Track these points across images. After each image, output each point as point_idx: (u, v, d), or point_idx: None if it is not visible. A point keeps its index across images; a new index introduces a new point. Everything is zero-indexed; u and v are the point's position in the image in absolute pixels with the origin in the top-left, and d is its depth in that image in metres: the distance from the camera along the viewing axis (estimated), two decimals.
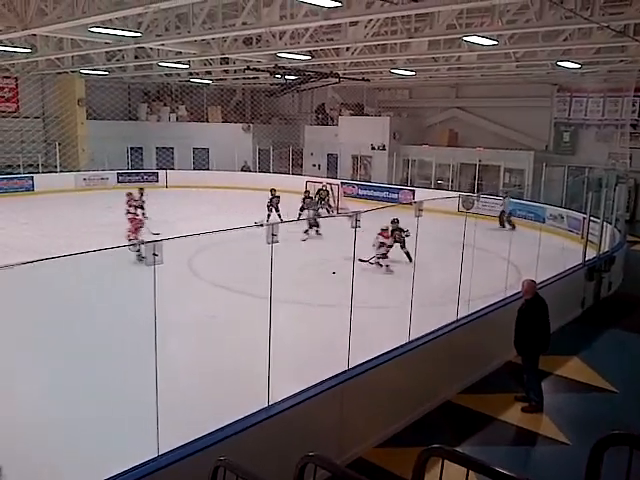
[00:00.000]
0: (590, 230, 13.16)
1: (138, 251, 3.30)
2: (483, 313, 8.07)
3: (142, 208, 15.89)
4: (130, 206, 14.95)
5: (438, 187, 24.55)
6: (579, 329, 10.31)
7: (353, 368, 5.93)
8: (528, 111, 24.20)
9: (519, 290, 7.96)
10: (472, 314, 7.90)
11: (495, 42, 13.40)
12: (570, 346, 9.23)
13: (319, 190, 21.66)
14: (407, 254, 13.76)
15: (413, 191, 24.07)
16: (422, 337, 6.95)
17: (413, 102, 28.96)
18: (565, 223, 18.44)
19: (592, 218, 13.31)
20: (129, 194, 15.49)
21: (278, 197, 19.09)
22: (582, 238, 13.92)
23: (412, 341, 6.77)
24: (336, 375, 5.79)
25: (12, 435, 5.54)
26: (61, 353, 7.96)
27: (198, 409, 6.42)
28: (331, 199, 21.92)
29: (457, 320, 7.61)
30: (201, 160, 29.91)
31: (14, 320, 8.45)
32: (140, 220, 14.24)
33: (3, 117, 26.01)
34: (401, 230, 13.90)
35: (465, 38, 13.30)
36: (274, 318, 5.32)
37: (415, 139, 27.23)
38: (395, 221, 13.99)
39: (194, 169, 29.14)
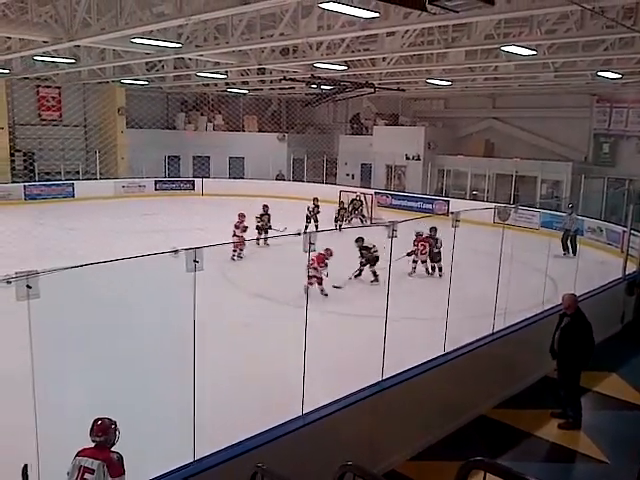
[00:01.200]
0: (630, 244, 12.85)
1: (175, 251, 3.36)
2: (520, 327, 7.95)
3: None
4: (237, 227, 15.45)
5: (473, 198, 24.31)
6: (618, 345, 10.06)
7: (387, 379, 5.91)
8: (566, 122, 23.79)
9: (556, 304, 7.83)
10: (508, 327, 7.78)
11: (534, 52, 13.25)
12: (609, 362, 9.01)
13: (352, 200, 21.72)
14: (439, 268, 13.68)
15: (448, 201, 23.87)
16: (457, 350, 6.88)
17: (449, 112, 28.78)
18: (604, 236, 18.04)
19: (632, 231, 13.00)
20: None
21: (318, 207, 19.25)
22: (622, 252, 13.60)
23: (447, 353, 6.71)
24: (370, 386, 5.77)
25: (52, 438, 5.66)
26: (101, 358, 8.11)
27: (233, 416, 6.48)
28: (365, 209, 21.94)
29: (493, 333, 7.51)
30: (237, 169, 30.27)
31: (57, 324, 8.64)
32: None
33: (46, 125, 26.82)
34: (436, 240, 13.83)
35: (503, 48, 13.18)
36: (309, 327, 5.34)
37: (450, 149, 27.03)
38: (433, 230, 13.94)
39: (230, 178, 29.47)
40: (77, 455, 4.53)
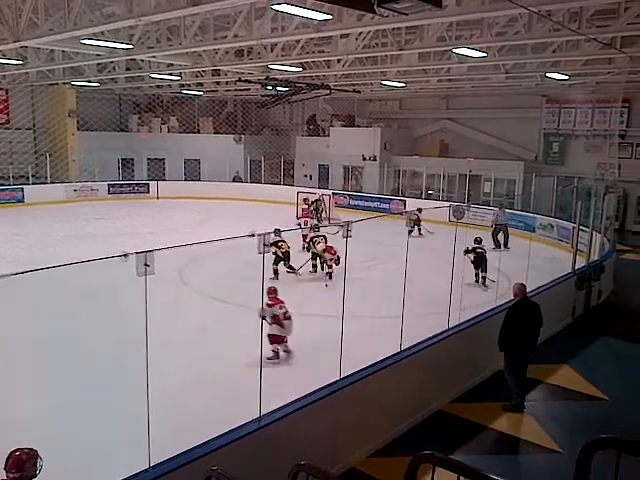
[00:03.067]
0: (580, 239, 13.27)
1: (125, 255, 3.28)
2: (474, 322, 8.11)
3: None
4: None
5: (429, 197, 24.69)
6: (570, 337, 10.38)
7: (344, 378, 5.94)
8: (518, 122, 24.42)
9: (510, 299, 8.03)
10: (463, 323, 7.93)
11: (484, 54, 13.55)
12: (561, 354, 9.29)
13: (315, 201, 21.76)
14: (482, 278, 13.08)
15: (404, 201, 24.19)
16: (413, 346, 6.97)
17: (404, 113, 29.15)
18: (555, 232, 18.57)
19: (581, 227, 13.43)
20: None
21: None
22: (572, 247, 14.03)
23: (403, 350, 6.79)
24: (327, 385, 5.79)
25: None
26: (49, 366, 7.90)
27: (189, 421, 6.40)
28: (324, 210, 22.01)
29: (448, 329, 7.64)
30: (192, 171, 29.90)
31: (4, 332, 8.39)
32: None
33: None
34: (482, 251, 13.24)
35: (455, 50, 13.43)
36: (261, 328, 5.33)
37: (406, 150, 27.39)
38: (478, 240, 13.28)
39: (185, 180, 29.13)
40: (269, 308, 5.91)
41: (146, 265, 3.81)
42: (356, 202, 25.49)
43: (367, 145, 27.36)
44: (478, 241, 13.20)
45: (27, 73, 21.40)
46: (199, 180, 29.05)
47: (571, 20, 11.30)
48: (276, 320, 8.30)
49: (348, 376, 5.97)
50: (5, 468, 3.79)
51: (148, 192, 27.74)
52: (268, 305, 8.03)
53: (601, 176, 20.80)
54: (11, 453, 3.81)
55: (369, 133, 27.77)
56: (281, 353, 8.51)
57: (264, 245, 4.56)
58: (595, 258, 12.99)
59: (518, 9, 9.30)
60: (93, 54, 14.95)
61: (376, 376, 6.23)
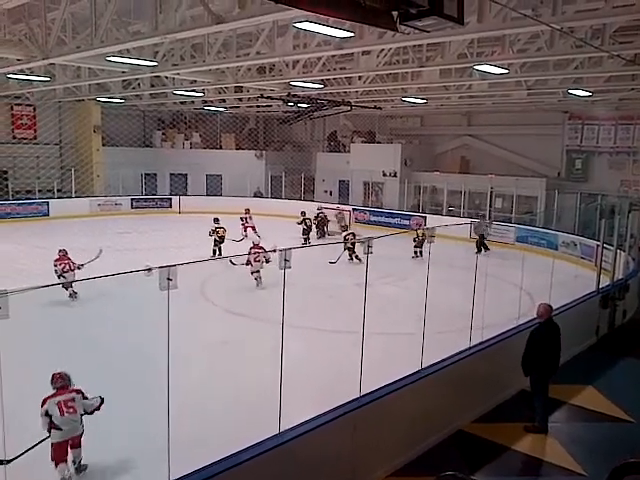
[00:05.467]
0: (603, 257, 13.07)
1: (149, 269, 3.30)
2: (496, 341, 8.01)
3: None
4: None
5: (449, 214, 24.57)
6: (594, 357, 10.18)
7: (364, 395, 5.89)
8: (540, 138, 24.25)
9: (532, 317, 7.92)
10: (485, 342, 7.84)
11: (506, 71, 13.52)
12: (585, 375, 9.11)
13: (317, 216, 21.80)
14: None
15: (424, 217, 24.09)
16: (434, 365, 6.89)
17: (424, 130, 29.14)
18: (578, 250, 18.32)
19: (605, 245, 13.24)
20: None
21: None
22: (595, 265, 13.82)
23: (424, 369, 6.72)
24: (348, 402, 5.75)
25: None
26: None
27: (209, 435, 6.40)
28: (327, 226, 22.04)
29: (470, 348, 7.55)
30: (214, 186, 30.20)
31: (27, 344, 8.48)
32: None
33: (21, 143, 26.52)
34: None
35: (476, 67, 13.43)
36: (286, 343, 5.32)
37: (426, 166, 27.33)
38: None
39: (207, 195, 29.39)
40: (44, 403, 5.82)
41: (169, 279, 3.85)
42: (376, 218, 25.47)
43: (387, 161, 27.38)
44: None
45: (54, 90, 21.86)
46: (220, 195, 29.28)
47: (594, 37, 11.25)
48: None
49: (368, 394, 5.92)
50: (52, 383, 5.94)
51: (170, 207, 28.03)
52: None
53: (625, 193, 20.55)
54: (54, 375, 5.96)
55: (390, 149, 27.80)
56: None
57: (285, 260, 4.57)
58: (620, 277, 12.77)
59: (540, 26, 9.30)
60: (118, 71, 15.23)
61: (397, 394, 6.17)
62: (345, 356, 8.24)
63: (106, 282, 4.17)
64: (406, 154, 27.37)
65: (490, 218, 22.57)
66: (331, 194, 29.81)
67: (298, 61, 14.92)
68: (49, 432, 5.73)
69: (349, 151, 29.42)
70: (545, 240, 19.38)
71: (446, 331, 8.81)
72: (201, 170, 29.67)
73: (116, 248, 17.36)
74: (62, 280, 11.98)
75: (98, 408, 6.03)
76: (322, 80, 17.37)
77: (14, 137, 26.46)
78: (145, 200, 27.89)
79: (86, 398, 6.00)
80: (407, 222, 24.40)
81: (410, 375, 6.55)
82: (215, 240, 17.26)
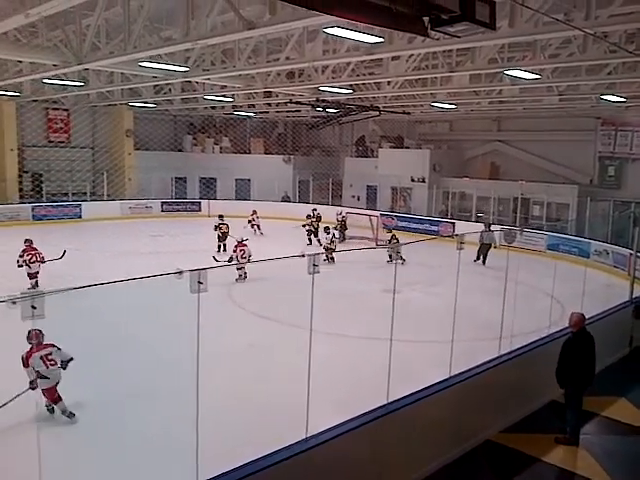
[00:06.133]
0: (637, 267, 12.79)
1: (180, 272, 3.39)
2: (527, 350, 7.87)
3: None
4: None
5: (478, 220, 24.32)
6: (627, 369, 9.94)
7: (392, 402, 5.85)
8: (571, 145, 23.87)
9: (564, 327, 7.78)
10: (515, 350, 7.71)
11: (537, 76, 13.36)
12: (617, 387, 8.90)
13: (338, 219, 22.00)
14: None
15: (453, 223, 23.87)
16: (463, 373, 6.81)
17: (454, 135, 28.95)
18: (610, 259, 17.95)
19: (639, 254, 12.94)
20: None
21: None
22: (629, 274, 13.53)
23: (453, 376, 6.64)
24: (375, 409, 5.71)
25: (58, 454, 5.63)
26: (105, 378, 8.09)
27: (235, 438, 6.43)
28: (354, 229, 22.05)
29: (500, 356, 7.45)
30: (243, 190, 30.45)
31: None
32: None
33: (55, 147, 27.14)
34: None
35: (507, 72, 13.30)
36: (313, 349, 5.31)
37: (455, 172, 27.13)
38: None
39: (236, 199, 29.63)
40: (29, 358, 6.50)
41: (199, 282, 3.89)
42: (404, 224, 25.32)
43: (416, 166, 27.26)
44: None
45: (88, 94, 22.36)
46: (249, 199, 29.49)
47: (628, 41, 11.06)
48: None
49: (396, 401, 5.88)
50: (29, 339, 6.37)
51: (199, 210, 28.30)
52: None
53: None
54: (29, 332, 6.14)
55: (418, 154, 27.68)
56: None
57: (314, 265, 4.58)
58: None
59: (573, 31, 9.16)
60: (150, 76, 15.50)
61: (424, 402, 6.11)
62: (372, 362, 8.21)
63: (137, 285, 4.22)
64: (435, 159, 27.22)
65: (521, 225, 22.26)
66: (359, 199, 29.78)
67: (327, 66, 14.97)
68: (35, 382, 6.71)
69: (377, 156, 29.37)
70: (577, 248, 19.05)
71: (475, 339, 8.74)
72: (230, 174, 29.97)
73: (148, 251, 17.63)
74: (27, 269, 13.03)
75: (69, 360, 7.08)
76: (351, 85, 17.40)
77: (49, 141, 27.11)
78: (175, 203, 28.26)
79: (59, 349, 7.02)
80: (435, 228, 24.22)
81: (438, 383, 6.49)
82: (218, 236, 18.48)
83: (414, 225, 24.99)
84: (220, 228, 18.88)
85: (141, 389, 7.74)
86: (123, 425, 6.91)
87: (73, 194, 26.75)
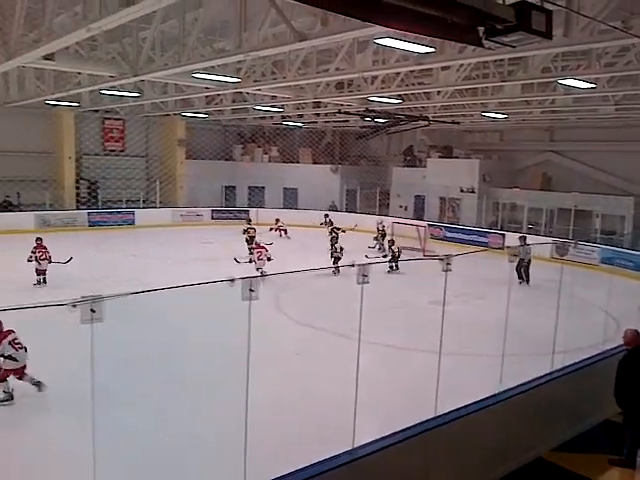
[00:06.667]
0: None
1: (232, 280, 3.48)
2: (580, 366, 7.64)
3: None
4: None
5: (530, 232, 23.77)
6: None
7: (440, 416, 5.77)
8: (627, 155, 23.09)
9: (619, 344, 7.51)
10: (568, 367, 7.50)
11: (592, 85, 13.04)
12: None
13: (378, 229, 21.99)
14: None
15: (503, 235, 23.42)
16: (514, 388, 6.66)
17: (504, 145, 28.46)
18: None
19: None
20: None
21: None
22: None
23: (503, 391, 6.51)
24: (422, 422, 5.65)
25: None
26: (157, 381, 8.26)
27: (280, 446, 6.46)
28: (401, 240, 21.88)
29: (551, 372, 7.26)
30: (290, 199, 30.74)
31: (117, 347, 8.87)
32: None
33: (111, 155, 28.07)
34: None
35: (560, 81, 13.03)
36: (359, 358, 5.31)
37: (506, 182, 26.65)
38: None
39: (283, 208, 29.91)
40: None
41: (251, 290, 3.95)
42: (452, 234, 25.02)
43: (465, 177, 26.94)
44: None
45: (143, 105, 23.02)
46: (296, 208, 29.73)
47: None
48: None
49: (444, 414, 5.80)
50: None
51: (249, 220, 28.70)
52: None
53: None
54: None
55: (467, 164, 27.35)
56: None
57: (363, 276, 4.58)
58: None
59: (630, 39, 8.90)
60: (203, 87, 15.85)
61: (474, 416, 6.00)
62: (418, 375, 8.13)
63: (190, 291, 4.31)
64: (484, 169, 26.84)
65: (574, 238, 21.67)
66: (406, 209, 29.60)
67: (377, 76, 15.00)
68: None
69: (425, 166, 29.16)
70: (632, 262, 18.40)
71: (525, 353, 8.53)
72: (278, 183, 30.32)
73: (200, 257, 17.98)
74: (36, 265, 14.19)
75: None
76: (400, 95, 17.36)
77: (105, 149, 28.05)
78: (224, 211, 28.76)
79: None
80: (484, 239, 23.83)
81: (488, 397, 6.36)
82: (246, 239, 19.36)
83: (462, 236, 24.65)
84: (248, 232, 19.97)
85: (192, 395, 7.87)
86: (174, 423, 7.04)
87: (127, 201, 27.58)
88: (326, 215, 23.06)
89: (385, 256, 20.65)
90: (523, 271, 16.56)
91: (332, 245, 19.45)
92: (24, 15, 9.95)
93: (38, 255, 14.24)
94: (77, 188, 26.39)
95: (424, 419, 5.69)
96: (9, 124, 24.10)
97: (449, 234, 25.13)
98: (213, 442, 6.56)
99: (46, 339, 8.85)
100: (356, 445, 5.07)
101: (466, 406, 6.11)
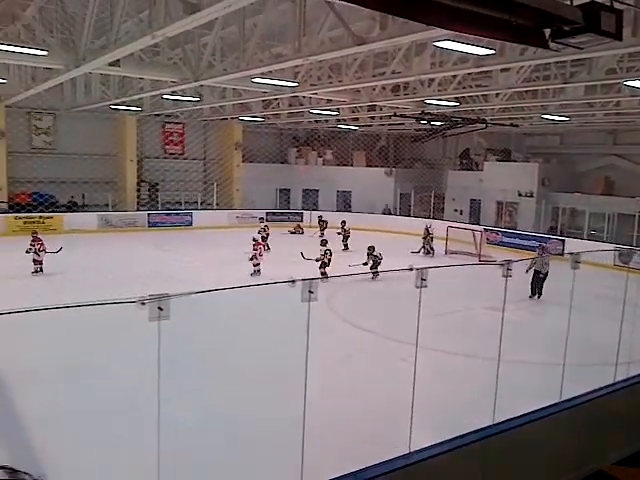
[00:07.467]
0: None
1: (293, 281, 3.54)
2: None
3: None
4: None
5: (591, 238, 23.00)
6: None
7: (497, 424, 5.67)
8: None
9: None
10: (632, 378, 7.24)
11: None
12: None
13: (426, 229, 21.74)
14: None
15: (563, 241, 22.73)
16: (575, 398, 6.48)
17: (565, 148, 27.66)
18: None
19: None
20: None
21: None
22: None
23: (564, 401, 6.34)
24: (480, 429, 5.57)
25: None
26: (217, 380, 8.42)
27: (333, 448, 6.48)
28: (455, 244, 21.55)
29: (615, 383, 7.02)
30: (344, 202, 30.82)
31: (181, 344, 9.10)
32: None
33: (170, 158, 28.89)
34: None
35: (626, 83, 12.58)
36: (412, 364, 5.29)
37: (566, 186, 25.87)
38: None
39: (337, 211, 29.98)
40: None
41: (310, 292, 4.00)
42: (509, 239, 24.46)
43: (523, 180, 26.32)
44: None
45: (201, 109, 23.57)
46: (350, 211, 29.74)
47: None
48: None
49: (502, 422, 5.70)
50: None
51: (302, 221, 28.94)
52: None
53: None
54: None
55: (526, 168, 26.72)
56: None
57: (422, 279, 4.56)
58: None
59: None
60: (260, 91, 16.10)
61: (533, 425, 5.87)
62: (474, 381, 8.02)
63: (250, 292, 4.40)
64: (544, 173, 26.15)
65: (639, 245, 20.85)
66: (461, 213, 29.16)
67: (433, 79, 14.86)
68: None
69: (482, 169, 28.66)
70: None
71: (586, 363, 8.27)
72: (332, 186, 30.47)
73: (289, 261, 18.18)
74: (35, 256, 15.53)
75: None
76: (457, 98, 17.14)
77: (165, 152, 28.86)
78: (279, 214, 29.11)
79: None
80: (544, 245, 23.15)
81: (548, 407, 6.21)
82: (263, 237, 19.95)
83: (520, 241, 24.05)
84: (265, 230, 20.86)
85: (250, 394, 7.98)
86: (230, 421, 7.17)
87: (185, 203, 28.28)
88: (429, 225, 22.16)
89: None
90: (537, 284, 14.72)
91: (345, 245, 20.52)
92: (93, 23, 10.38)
93: (37, 247, 15.55)
94: (138, 190, 27.23)
95: (481, 426, 5.61)
96: (76, 128, 25.15)
97: (506, 239, 24.56)
98: (268, 441, 6.64)
99: (113, 334, 9.16)
100: (412, 449, 5.05)
101: (525, 414, 5.99)
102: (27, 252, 15.55)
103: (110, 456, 6.37)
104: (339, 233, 22.25)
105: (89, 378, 8.33)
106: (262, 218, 23.10)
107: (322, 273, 15.75)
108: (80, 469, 5.96)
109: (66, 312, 3.72)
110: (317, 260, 16.22)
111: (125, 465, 6.13)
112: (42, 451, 6.24)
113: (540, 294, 14.80)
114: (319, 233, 23.61)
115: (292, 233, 26.18)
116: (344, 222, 22.73)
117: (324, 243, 17.04)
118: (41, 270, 15.68)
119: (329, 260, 16.34)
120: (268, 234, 21.13)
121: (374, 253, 16.69)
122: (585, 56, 11.05)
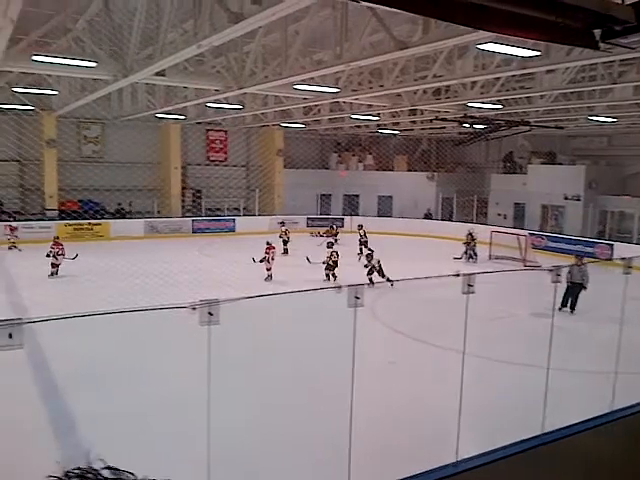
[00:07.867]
0: None
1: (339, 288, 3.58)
2: None
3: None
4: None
5: None
6: None
7: (547, 433, 5.54)
8: None
9: None
10: None
11: None
12: None
13: (469, 234, 21.41)
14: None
15: (611, 245, 22.09)
16: (627, 408, 6.27)
17: (612, 150, 26.91)
18: None
19: None
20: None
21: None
22: None
23: (616, 411, 6.15)
24: (529, 438, 5.45)
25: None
26: (264, 383, 8.48)
27: (376, 456, 6.44)
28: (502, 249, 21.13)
29: None
30: (385, 207, 30.69)
31: (229, 349, 9.22)
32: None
33: (213, 165, 29.35)
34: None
35: None
36: (455, 369, 5.22)
37: (614, 189, 25.16)
38: None
39: (378, 216, 29.90)
40: None
41: (356, 297, 4.00)
42: (554, 244, 23.91)
43: (569, 183, 25.73)
44: None
45: (244, 116, 23.88)
46: (391, 216, 29.63)
47: None
48: None
49: (553, 431, 5.56)
50: None
51: (342, 226, 28.94)
52: None
53: None
54: None
55: (572, 171, 26.12)
56: None
57: (469, 285, 4.51)
58: None
59: None
60: (301, 98, 16.21)
61: (583, 435, 5.71)
62: (522, 389, 7.86)
63: (296, 297, 4.44)
64: (591, 176, 25.50)
65: None
66: (505, 217, 28.67)
67: (476, 82, 14.69)
68: None
69: (526, 172, 28.13)
70: None
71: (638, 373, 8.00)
72: (373, 191, 30.41)
73: (298, 264, 18.30)
74: (53, 260, 16.00)
75: None
76: (500, 100, 16.90)
77: (208, 159, 29.36)
78: (320, 219, 29.19)
79: None
80: (590, 250, 22.57)
81: (600, 416, 6.03)
82: (284, 241, 21.13)
83: (566, 246, 23.48)
84: (285, 234, 21.61)
85: (295, 399, 8.02)
86: (277, 427, 7.22)
87: (227, 209, 28.67)
88: (471, 230, 21.69)
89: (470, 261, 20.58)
90: (571, 296, 13.53)
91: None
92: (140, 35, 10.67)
93: (56, 251, 16.08)
94: (182, 196, 27.77)
95: (530, 436, 5.49)
96: (122, 137, 25.85)
97: (552, 244, 24.02)
98: (316, 446, 6.65)
99: (164, 337, 9.36)
100: (459, 458, 4.98)
101: (575, 424, 5.83)
102: (47, 256, 16.11)
103: (162, 456, 6.50)
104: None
105: (141, 381, 8.50)
106: (282, 222, 23.40)
107: (333, 275, 16.22)
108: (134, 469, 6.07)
109: (120, 315, 3.82)
110: (323, 263, 16.45)
111: (176, 467, 6.23)
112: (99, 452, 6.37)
113: (574, 307, 13.64)
114: (333, 239, 22.79)
115: (320, 236, 25.35)
116: (360, 226, 22.56)
117: (330, 245, 17.61)
118: (56, 274, 16.19)
119: (335, 262, 16.39)
120: (289, 238, 21.62)
121: (372, 261, 16.11)
122: (634, 56, 10.75)
